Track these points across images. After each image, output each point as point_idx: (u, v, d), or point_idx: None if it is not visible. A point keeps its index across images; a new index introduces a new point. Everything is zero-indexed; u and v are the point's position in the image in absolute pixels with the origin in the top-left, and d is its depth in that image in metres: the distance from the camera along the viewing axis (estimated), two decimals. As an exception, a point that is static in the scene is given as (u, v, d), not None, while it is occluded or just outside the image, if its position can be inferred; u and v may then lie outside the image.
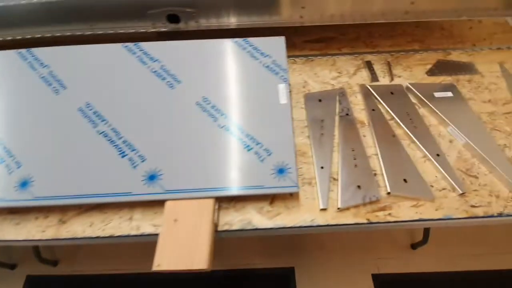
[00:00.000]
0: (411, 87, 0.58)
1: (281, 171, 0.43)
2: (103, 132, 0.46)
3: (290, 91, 0.52)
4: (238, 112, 0.47)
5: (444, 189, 0.46)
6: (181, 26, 0.57)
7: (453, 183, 0.46)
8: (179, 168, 0.44)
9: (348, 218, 0.44)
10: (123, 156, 0.45)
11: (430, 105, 0.55)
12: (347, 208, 0.45)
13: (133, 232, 0.44)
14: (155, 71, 0.50)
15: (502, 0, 0.58)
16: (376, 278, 1.03)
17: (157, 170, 0.43)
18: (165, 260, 0.38)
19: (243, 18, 0.57)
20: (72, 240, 0.44)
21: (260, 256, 1.06)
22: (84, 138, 0.46)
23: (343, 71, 0.63)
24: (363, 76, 0.62)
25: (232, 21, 0.57)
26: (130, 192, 0.43)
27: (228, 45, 0.52)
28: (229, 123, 0.46)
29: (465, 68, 0.63)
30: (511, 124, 0.54)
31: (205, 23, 0.57)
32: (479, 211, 0.44)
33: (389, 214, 0.44)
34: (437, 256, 1.06)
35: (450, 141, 0.52)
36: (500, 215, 0.44)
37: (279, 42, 0.52)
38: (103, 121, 0.47)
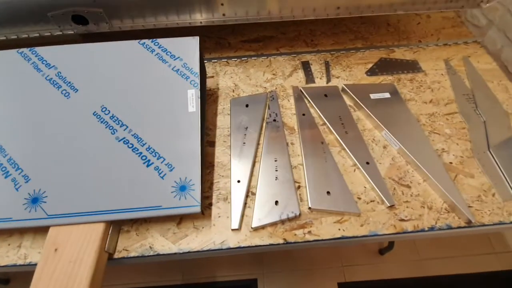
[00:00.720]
0: (346, 88, 0.53)
1: (182, 188, 0.38)
2: (-14, 149, 0.40)
3: (209, 97, 0.47)
4: (140, 122, 0.42)
5: (372, 201, 0.42)
6: (91, 28, 0.52)
7: (381, 194, 0.41)
8: (66, 189, 0.38)
9: (263, 239, 0.39)
10: (6, 177, 0.39)
11: (365, 108, 0.50)
12: (263, 227, 0.40)
13: (20, 262, 0.38)
14: (50, 79, 0.44)
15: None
16: (342, 286, 0.98)
17: (41, 192, 0.38)
18: None
19: (160, 17, 0.52)
20: None
21: (223, 268, 1.01)
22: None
23: (278, 72, 0.58)
24: (299, 77, 0.58)
25: (149, 21, 0.52)
26: (10, 218, 0.37)
27: (134, 47, 0.46)
28: (129, 136, 0.41)
29: (408, 66, 0.59)
30: (451, 126, 0.50)
31: (118, 24, 0.52)
32: (409, 225, 0.40)
33: (309, 232, 0.39)
34: (405, 261, 1.02)
35: (384, 147, 0.47)
36: (431, 229, 0.40)
37: (192, 43, 0.47)
38: (-14, 136, 0.41)
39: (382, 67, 0.59)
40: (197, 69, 0.45)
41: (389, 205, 0.41)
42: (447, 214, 0.41)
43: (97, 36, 0.52)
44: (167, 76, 0.45)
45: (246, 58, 0.61)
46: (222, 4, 0.50)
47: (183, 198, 0.38)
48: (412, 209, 0.41)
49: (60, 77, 0.44)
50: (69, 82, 0.44)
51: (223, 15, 0.52)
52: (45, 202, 0.37)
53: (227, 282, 0.97)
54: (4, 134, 0.41)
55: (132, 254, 0.38)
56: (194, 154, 0.40)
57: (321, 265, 1.02)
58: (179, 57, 0.46)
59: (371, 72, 0.58)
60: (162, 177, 0.39)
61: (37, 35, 0.52)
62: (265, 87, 0.56)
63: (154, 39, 0.47)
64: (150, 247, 0.38)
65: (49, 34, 0.51)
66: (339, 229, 0.40)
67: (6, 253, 0.39)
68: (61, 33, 0.51)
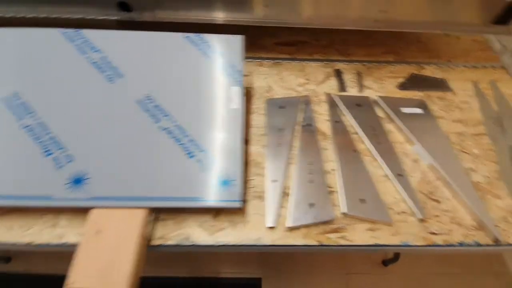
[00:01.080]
0: (379, 100, 0.54)
1: (224, 182, 0.38)
2: (28, 126, 0.40)
3: (245, 95, 0.47)
4: (183, 114, 0.42)
5: (403, 212, 0.43)
6: (134, 15, 0.52)
7: (413, 207, 0.42)
8: (109, 173, 0.38)
9: (297, 239, 0.40)
10: (48, 155, 0.39)
11: (397, 121, 0.51)
12: (297, 228, 0.40)
13: (55, 241, 0.38)
14: (94, 62, 0.44)
15: (480, 16, 0.56)
16: (343, 295, 0.99)
17: (84, 173, 0.38)
18: (80, 278, 0.32)
19: (203, 12, 0.52)
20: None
21: (228, 265, 1.01)
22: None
23: (311, 78, 0.59)
24: (332, 85, 0.59)
25: (191, 15, 0.52)
26: (51, 196, 0.37)
27: (179, 39, 0.47)
28: (172, 126, 0.41)
29: (438, 84, 0.60)
30: (479, 146, 0.51)
31: (161, 14, 0.52)
32: (439, 239, 0.41)
33: (342, 237, 0.40)
34: (408, 274, 1.03)
35: (415, 161, 0.48)
36: (460, 244, 0.41)
37: (237, 41, 0.47)
38: (29, 113, 0.41)
39: (413, 82, 0.60)
40: (240, 67, 0.46)
41: (420, 217, 0.42)
42: (475, 232, 0.42)
43: (134, 26, 0.53)
44: (211, 71, 0.45)
45: (279, 61, 0.62)
46: (266, 6, 0.51)
47: (225, 193, 0.38)
48: (441, 224, 0.42)
49: (105, 61, 0.44)
50: (114, 67, 0.44)
51: (264, 16, 0.53)
52: (87, 184, 0.37)
53: (232, 279, 0.97)
54: (47, 112, 0.41)
55: (169, 243, 0.38)
56: (236, 150, 0.40)
57: (323, 272, 1.02)
58: (223, 54, 0.46)
59: (402, 86, 0.59)
60: (203, 170, 0.39)
61: (81, 17, 0.52)
62: (298, 91, 0.57)
63: (199, 34, 0.47)
64: (187, 237, 0.39)
65: (93, 17, 0.52)
66: (372, 237, 0.40)
67: (40, 231, 0.39)
68: (105, 17, 0.52)
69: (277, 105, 0.53)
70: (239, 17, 0.53)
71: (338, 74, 0.60)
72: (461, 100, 0.58)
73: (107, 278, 0.33)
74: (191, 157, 0.40)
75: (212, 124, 0.42)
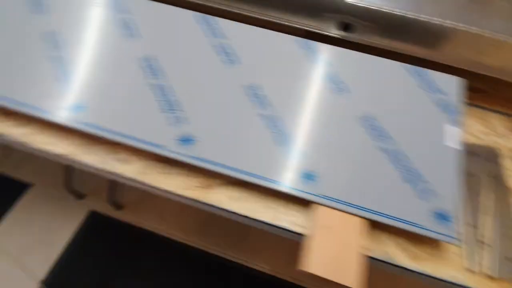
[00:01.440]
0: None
1: (441, 216, 0.41)
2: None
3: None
4: (405, 138, 0.45)
5: None
6: (353, 37, 0.57)
7: None
8: (340, 177, 0.43)
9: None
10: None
11: None
12: (501, 279, 0.41)
13: (270, 221, 0.44)
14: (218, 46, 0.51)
15: None
16: None
17: (316, 170, 0.43)
18: (313, 265, 0.37)
19: (413, 48, 0.55)
20: (214, 208, 0.45)
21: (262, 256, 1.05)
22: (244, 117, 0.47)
23: (492, 128, 0.59)
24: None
25: (401, 47, 0.56)
26: (279, 182, 0.43)
27: (395, 68, 0.50)
28: (392, 148, 0.44)
29: None
30: None
31: (377, 40, 0.56)
32: None
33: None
34: None
35: None
36: None
37: (456, 81, 0.49)
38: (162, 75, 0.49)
39: None
40: (460, 107, 0.47)
41: None
42: None
43: (344, 43, 0.57)
44: (428, 107, 0.48)
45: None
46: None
47: (440, 226, 0.40)
48: None
49: (337, 79, 0.50)
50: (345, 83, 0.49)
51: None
52: (319, 182, 0.42)
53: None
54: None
55: (375, 255, 0.41)
56: (454, 188, 0.42)
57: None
58: (440, 91, 0.48)
59: None
60: (419, 198, 0.42)
61: (302, 27, 0.58)
62: (482, 138, 0.57)
63: (419, 67, 0.50)
64: (387, 255, 0.42)
65: (317, 30, 0.57)
66: None
67: (256, 209, 0.45)
68: (326, 33, 0.57)
69: (469, 150, 0.54)
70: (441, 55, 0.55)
71: (522, 130, 0.59)
72: None
73: (337, 272, 0.37)
74: (406, 181, 0.42)
75: (434, 158, 0.44)
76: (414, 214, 0.41)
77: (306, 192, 0.42)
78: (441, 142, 0.46)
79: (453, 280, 0.40)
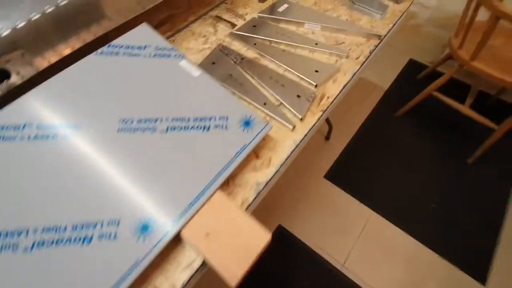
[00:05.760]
0: (261, 15, 0.67)
1: (247, 123, 0.44)
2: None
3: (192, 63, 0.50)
4: (171, 107, 0.43)
5: (336, 60, 0.60)
6: (15, 80, 0.43)
7: (338, 53, 0.60)
8: (167, 194, 0.37)
9: (311, 120, 0.51)
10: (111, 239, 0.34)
11: (283, 18, 0.66)
12: (305, 115, 0.51)
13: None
14: (35, 137, 0.37)
15: None
16: (327, 176, 1.24)
17: (146, 218, 0.35)
18: (232, 270, 0.34)
19: (76, 37, 0.48)
20: None
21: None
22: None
23: (205, 33, 0.66)
24: (224, 28, 0.67)
25: (71, 45, 0.48)
26: (138, 259, 0.34)
27: (98, 59, 0.44)
28: (171, 123, 0.41)
29: (277, -14, 0.77)
30: (329, 2, 0.73)
31: (41, 62, 0.45)
32: (362, 58, 0.60)
33: (327, 97, 0.54)
34: (342, 133, 1.37)
35: (313, 33, 0.66)
36: (370, 53, 0.62)
37: (145, 29, 0.48)
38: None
39: (264, -6, 0.75)
40: (169, 45, 0.47)
41: (345, 55, 0.60)
42: (369, 42, 0.64)
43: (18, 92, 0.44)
44: (151, 63, 0.45)
45: (170, 38, 0.64)
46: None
47: (254, 128, 0.44)
48: (355, 51, 0.62)
49: (43, 128, 0.38)
50: (63, 126, 0.38)
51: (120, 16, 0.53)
52: (152, 231, 0.36)
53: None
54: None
55: (251, 199, 0.42)
56: (231, 98, 0.45)
57: (303, 178, 1.23)
58: (146, 45, 0.47)
59: (261, 0, 0.73)
60: (226, 128, 0.43)
61: None
62: (208, 47, 0.63)
63: (109, 44, 0.45)
64: (257, 183, 0.44)
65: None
66: (338, 84, 0.56)
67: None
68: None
69: (209, 64, 0.58)
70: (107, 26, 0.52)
71: (219, 18, 0.68)
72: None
73: (247, 250, 0.35)
74: (208, 129, 0.42)
75: (197, 96, 0.44)
76: (236, 142, 0.42)
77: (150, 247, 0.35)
78: (191, 77, 0.46)
79: (298, 144, 0.48)
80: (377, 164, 1.28)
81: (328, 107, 0.53)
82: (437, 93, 1.25)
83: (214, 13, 0.70)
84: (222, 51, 0.61)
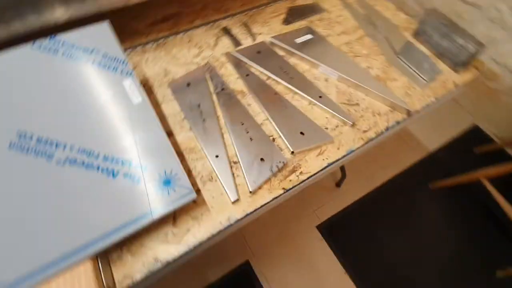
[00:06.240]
0: (274, 40, 0.55)
1: (166, 182, 0.34)
2: None
3: (143, 87, 0.41)
4: (80, 133, 0.34)
5: (337, 126, 0.46)
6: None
7: (342, 117, 0.46)
8: (22, 244, 0.29)
9: (264, 197, 0.39)
10: None
11: (297, 53, 0.53)
12: (260, 187, 0.39)
13: None
14: None
15: None
16: (320, 227, 1.08)
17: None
18: None
19: (42, 16, 0.42)
20: None
21: (213, 267, 0.97)
22: None
23: (203, 45, 0.56)
24: (226, 44, 0.56)
25: (28, 23, 0.42)
26: None
27: (29, 54, 0.37)
28: (73, 153, 0.33)
29: (313, 9, 0.64)
30: (365, 46, 0.58)
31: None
32: (371, 134, 0.46)
33: (301, 173, 0.41)
34: (359, 183, 1.18)
35: (326, 80, 0.52)
36: (387, 129, 0.46)
37: (103, 29, 0.40)
38: None
39: (293, 15, 0.62)
40: (122, 55, 0.39)
41: (351, 123, 0.46)
42: (392, 114, 0.48)
43: None
44: (90, 73, 0.37)
45: (163, 40, 0.56)
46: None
47: (171, 191, 0.34)
48: (367, 120, 0.47)
49: None
50: (-48, 120, 0.32)
51: (123, -6, 0.45)
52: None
53: (223, 278, 0.94)
54: None
55: (138, 277, 0.33)
56: (162, 142, 0.36)
57: (294, 220, 1.09)
58: (94, 49, 0.39)
59: (286, 22, 0.61)
60: (137, 182, 0.33)
61: None
62: (197, 62, 0.53)
63: (52, 36, 0.38)
64: (155, 259, 0.34)
65: None
66: (323, 159, 0.42)
67: None
68: None
69: (183, 84, 0.49)
70: (83, 9, 0.44)
71: (227, 31, 0.58)
72: (336, 15, 0.64)
73: None
74: (115, 176, 0.33)
75: (122, 129, 0.35)
76: (145, 202, 0.33)
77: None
78: (130, 102, 0.37)
79: (228, 223, 0.36)
80: (385, 234, 1.09)
81: (294, 186, 0.40)
82: (488, 183, 1.00)
83: (224, 23, 0.60)
84: (207, 72, 0.51)
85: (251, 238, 1.03)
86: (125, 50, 0.53)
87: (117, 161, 0.34)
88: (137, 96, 0.37)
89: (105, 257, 0.33)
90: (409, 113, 0.48)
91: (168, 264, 0.34)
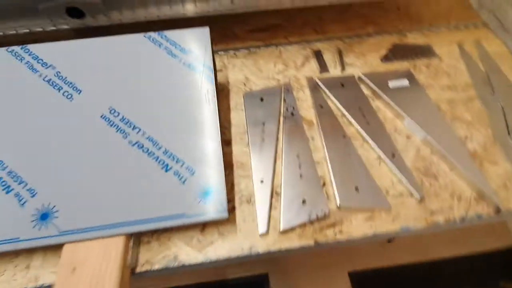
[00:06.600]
0: (363, 77, 0.51)
1: (206, 193, 0.35)
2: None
3: (221, 92, 0.44)
4: (153, 124, 0.38)
5: (401, 195, 0.41)
6: (88, 21, 0.47)
7: (410, 187, 0.40)
8: (79, 202, 0.35)
9: (292, 241, 0.37)
10: (8, 192, 0.35)
11: (384, 97, 0.48)
12: (292, 229, 0.38)
13: (31, 285, 0.35)
14: (48, 80, 0.40)
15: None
16: (352, 276, 0.99)
17: (50, 206, 0.34)
18: None
19: (163, 8, 0.47)
20: None
21: (234, 266, 1.00)
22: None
23: (289, 63, 0.55)
24: (312, 67, 0.55)
25: (151, 12, 0.48)
26: (18, 238, 0.34)
27: (139, 41, 0.42)
28: (143, 139, 0.37)
29: (422, 51, 0.57)
30: (471, 111, 0.49)
31: (118, 16, 0.47)
32: (440, 218, 0.39)
33: (340, 231, 0.38)
34: (414, 246, 1.03)
35: (408, 137, 0.46)
36: (462, 220, 0.39)
37: (203, 34, 0.43)
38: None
39: (396, 53, 0.56)
40: (210, 62, 0.42)
41: (418, 197, 0.40)
42: (476, 204, 0.40)
43: (93, 32, 0.48)
44: (178, 71, 0.41)
45: (254, 49, 0.57)
46: (231, -9, 0.46)
47: (207, 203, 0.35)
48: (441, 201, 0.40)
49: (60, 78, 0.40)
50: (71, 83, 0.40)
51: (232, 2, 0.48)
52: (56, 217, 0.34)
53: (239, 279, 0.96)
54: (1, 145, 0.37)
55: (156, 267, 0.35)
56: (215, 154, 0.37)
57: (328, 258, 1.02)
58: (189, 51, 0.42)
59: (385, 59, 0.56)
60: (183, 182, 0.36)
61: (27, 30, 0.47)
62: (278, 79, 0.53)
63: (160, 32, 0.43)
64: (175, 258, 0.36)
65: (41, 29, 0.46)
66: (371, 226, 0.38)
67: (13, 277, 0.36)
68: (54, 28, 0.47)
69: (257, 97, 0.49)
70: (204, 8, 0.49)
71: (318, 55, 0.56)
72: (448, 64, 0.55)
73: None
74: (167, 170, 0.36)
75: (186, 130, 0.38)
76: (183, 203, 0.35)
77: (44, 238, 0.33)
78: (201, 106, 0.40)
79: (249, 253, 0.36)
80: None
81: (328, 242, 0.37)
82: None
83: (318, 45, 0.58)
84: (284, 92, 0.50)
85: (280, 257, 1.02)
86: (218, 51, 0.57)
87: (174, 157, 0.37)
88: (210, 103, 0.40)
89: (138, 238, 0.37)
90: (498, 210, 0.39)
91: (184, 266, 0.36)
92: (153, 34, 0.43)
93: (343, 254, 1.02)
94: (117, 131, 0.38)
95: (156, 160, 0.37)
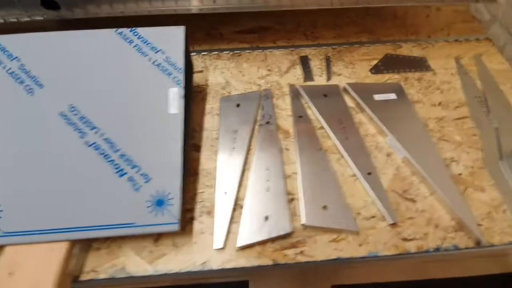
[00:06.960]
0: (348, 87, 0.48)
1: (159, 202, 0.33)
2: None
3: (197, 94, 0.42)
4: (113, 125, 0.36)
5: (373, 217, 0.38)
6: (64, 13, 0.46)
7: (383, 210, 0.37)
8: (26, 203, 0.33)
9: (249, 259, 0.35)
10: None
11: (368, 110, 0.45)
12: (251, 246, 0.35)
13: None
14: (11, 73, 0.38)
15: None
16: (336, 289, 0.96)
17: (-2, 204, 0.33)
18: None
19: (142, 3, 0.46)
20: None
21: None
22: None
23: (274, 68, 0.53)
24: (297, 74, 0.52)
25: (130, 7, 0.46)
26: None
27: (110, 36, 0.41)
28: (100, 140, 0.36)
29: (416, 64, 0.54)
30: (462, 131, 0.45)
31: (95, 9, 0.46)
32: (412, 246, 0.36)
33: (301, 252, 0.35)
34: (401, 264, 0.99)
35: (388, 155, 0.43)
36: (436, 249, 0.36)
37: (177, 33, 0.41)
38: None
39: (388, 64, 0.53)
40: (181, 64, 0.40)
41: (391, 222, 0.37)
42: (454, 233, 0.37)
43: (74, 24, 0.46)
44: (147, 71, 0.39)
45: (239, 51, 0.55)
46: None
47: (159, 214, 0.33)
48: (416, 227, 0.37)
49: (23, 71, 0.39)
50: (34, 77, 0.38)
51: (214, 1, 0.46)
52: (0, 217, 0.33)
53: (217, 284, 0.93)
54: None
55: (101, 276, 0.33)
56: (174, 163, 0.35)
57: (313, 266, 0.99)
58: (161, 50, 0.40)
59: (375, 69, 0.53)
60: (136, 189, 0.34)
61: (2, 21, 0.45)
62: (259, 85, 0.51)
63: (132, 28, 0.41)
64: (122, 268, 0.34)
65: (15, 20, 0.45)
66: (335, 249, 0.35)
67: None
68: (29, 19, 0.45)
69: (233, 103, 0.47)
70: (185, 5, 0.47)
71: (304, 61, 0.54)
72: (442, 80, 0.52)
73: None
74: (122, 175, 0.34)
75: (147, 134, 0.36)
76: (134, 212, 0.33)
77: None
78: (166, 111, 0.38)
79: (200, 268, 0.34)
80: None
81: (287, 263, 0.35)
82: None
83: (307, 51, 0.55)
84: (263, 98, 0.48)
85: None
86: (202, 51, 0.55)
87: (130, 162, 0.35)
88: (176, 107, 0.37)
89: (87, 244, 0.35)
90: (478, 242, 0.36)
91: (132, 278, 0.34)
92: (124, 30, 0.41)
93: (329, 266, 0.99)
94: (74, 130, 0.36)
95: (112, 163, 0.35)
